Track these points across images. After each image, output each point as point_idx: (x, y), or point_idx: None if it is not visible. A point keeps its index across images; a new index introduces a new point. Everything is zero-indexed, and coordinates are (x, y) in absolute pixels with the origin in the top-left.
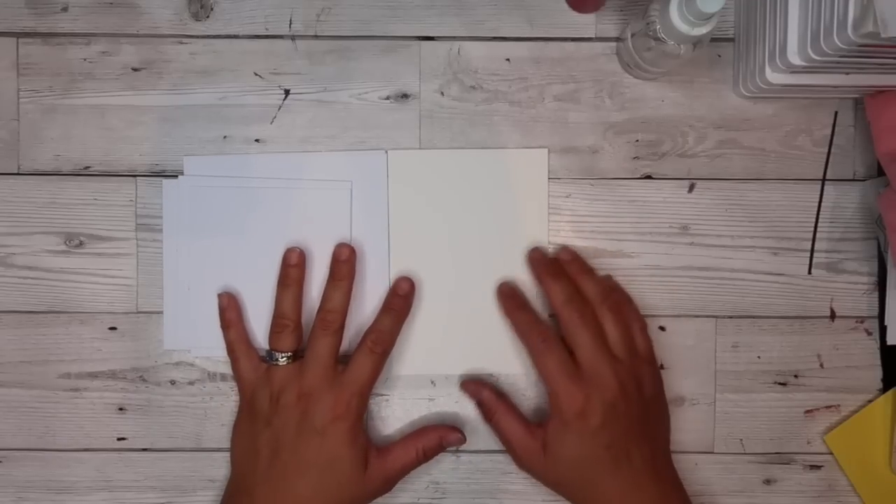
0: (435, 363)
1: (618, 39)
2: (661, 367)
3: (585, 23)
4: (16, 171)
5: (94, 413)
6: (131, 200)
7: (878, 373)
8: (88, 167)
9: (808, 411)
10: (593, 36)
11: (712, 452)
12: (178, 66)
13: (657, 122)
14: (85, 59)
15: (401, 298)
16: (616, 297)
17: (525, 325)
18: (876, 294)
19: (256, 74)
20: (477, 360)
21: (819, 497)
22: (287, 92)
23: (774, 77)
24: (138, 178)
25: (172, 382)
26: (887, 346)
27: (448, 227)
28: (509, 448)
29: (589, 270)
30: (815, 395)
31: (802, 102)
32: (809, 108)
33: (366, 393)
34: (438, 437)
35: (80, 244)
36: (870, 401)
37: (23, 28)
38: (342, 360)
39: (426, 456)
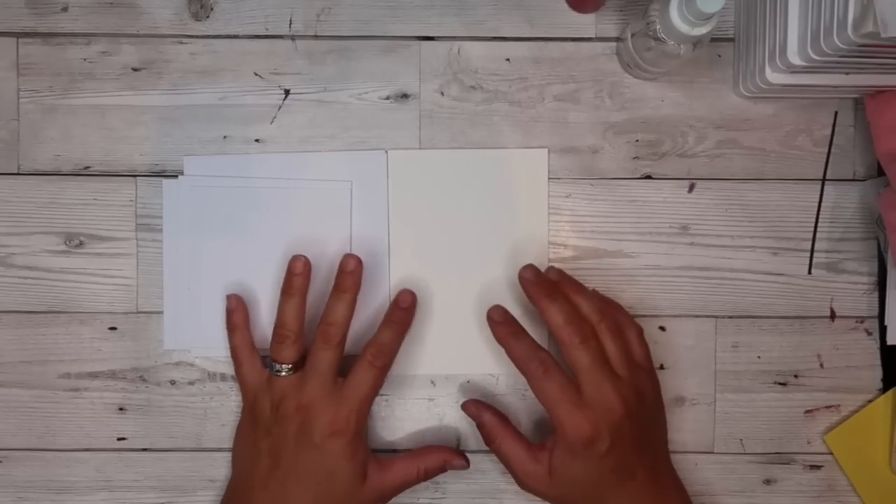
0: (435, 363)
1: (618, 39)
2: (661, 367)
3: (585, 23)
4: (16, 171)
5: (94, 413)
6: (131, 200)
7: (878, 373)
8: (88, 167)
9: (808, 411)
10: (593, 36)
11: (712, 452)
12: (178, 66)
13: (657, 122)
14: (85, 59)
15: (403, 311)
16: (611, 311)
17: (523, 353)
18: (876, 294)
19: (256, 74)
20: (477, 361)
21: (819, 497)
22: (287, 92)
23: (774, 77)
24: (138, 178)
25: (172, 382)
26: (887, 346)
27: (448, 226)
28: (512, 471)
29: (580, 288)
30: (815, 395)
31: (802, 102)
32: (809, 108)
33: (365, 407)
34: (442, 459)
35: (80, 244)
36: (870, 401)
37: (23, 28)
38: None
39: (427, 476)
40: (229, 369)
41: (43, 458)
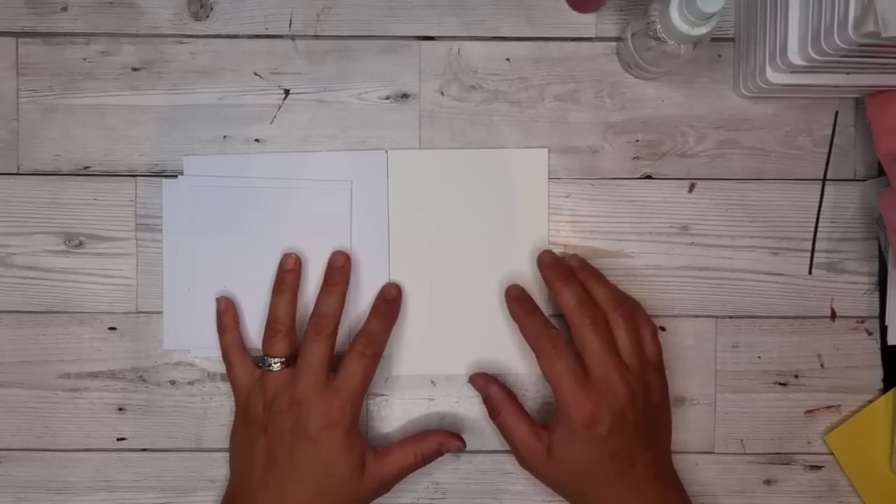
0: (435, 363)
1: (618, 39)
2: None
3: (585, 23)
4: (16, 171)
5: (94, 413)
6: (131, 200)
7: (878, 373)
8: (88, 167)
9: (808, 411)
10: (593, 36)
11: (712, 452)
12: (178, 65)
13: (657, 122)
14: (85, 59)
15: (388, 303)
16: (627, 303)
17: (535, 329)
18: (876, 294)
19: (256, 74)
20: (477, 361)
21: (819, 497)
22: (287, 92)
23: (775, 77)
24: (138, 178)
25: (172, 382)
26: (888, 346)
27: (448, 227)
28: (513, 447)
29: (600, 276)
30: (815, 396)
31: (803, 102)
32: (810, 108)
33: (359, 398)
34: (438, 443)
35: (80, 244)
36: (870, 401)
37: (23, 28)
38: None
39: (424, 460)
40: None
41: (43, 459)
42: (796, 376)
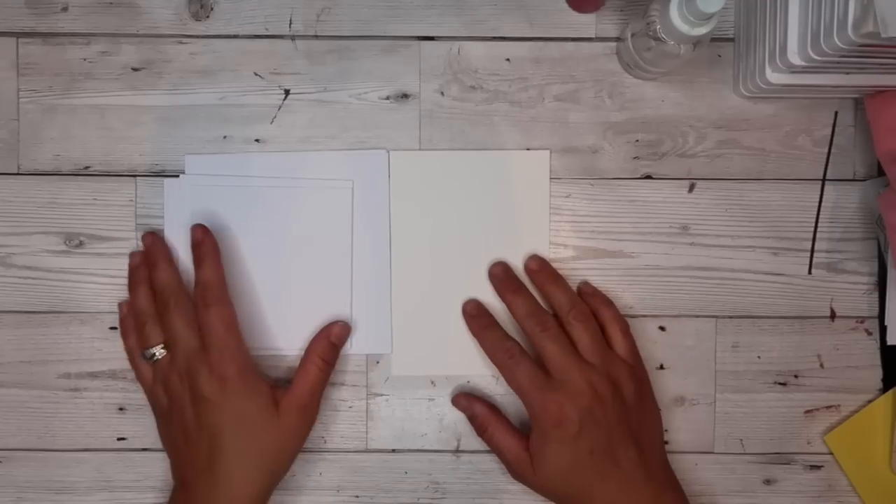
0: (435, 363)
1: (618, 39)
2: (661, 367)
3: (585, 23)
4: (16, 171)
5: (94, 413)
6: (131, 200)
7: (878, 373)
8: (88, 167)
9: (808, 411)
10: (593, 36)
11: (712, 452)
12: (178, 66)
13: (657, 122)
14: (85, 59)
15: (204, 242)
16: (582, 307)
17: (491, 344)
18: (876, 294)
19: (256, 74)
20: (477, 361)
21: (819, 497)
22: (287, 92)
23: (774, 77)
24: (138, 177)
25: None
26: (887, 346)
27: (449, 227)
28: (504, 461)
29: (557, 279)
30: (815, 395)
31: (802, 102)
32: (809, 108)
33: (232, 342)
34: (324, 337)
35: (80, 244)
36: (870, 401)
37: (23, 28)
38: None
39: (326, 362)
40: None
41: (43, 459)
42: (796, 376)
